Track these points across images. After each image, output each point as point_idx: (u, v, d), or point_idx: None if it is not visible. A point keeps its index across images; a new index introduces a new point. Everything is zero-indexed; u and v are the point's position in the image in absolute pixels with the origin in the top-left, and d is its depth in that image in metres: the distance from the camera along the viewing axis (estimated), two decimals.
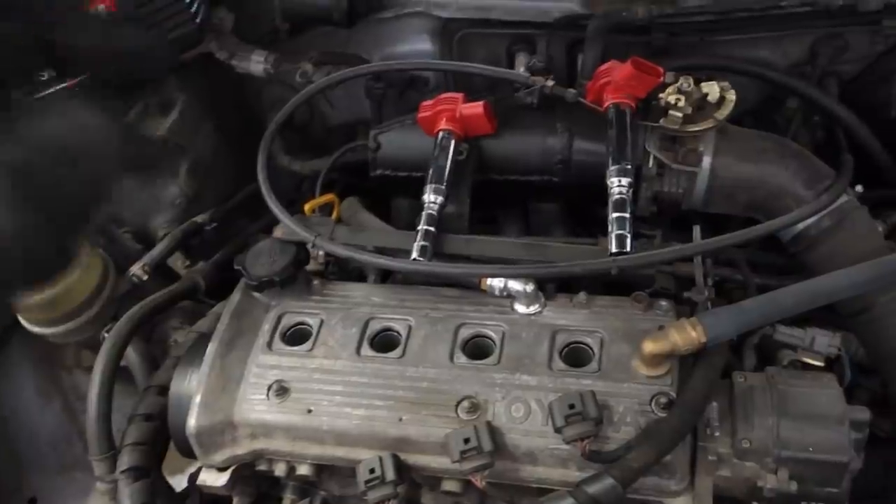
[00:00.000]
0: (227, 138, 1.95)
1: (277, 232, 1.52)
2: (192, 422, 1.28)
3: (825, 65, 1.67)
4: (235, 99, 2.00)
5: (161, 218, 1.81)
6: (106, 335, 1.47)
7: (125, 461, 1.32)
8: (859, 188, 1.46)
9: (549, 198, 1.63)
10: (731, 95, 1.40)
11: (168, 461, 1.43)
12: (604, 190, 1.37)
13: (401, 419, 1.24)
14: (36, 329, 1.56)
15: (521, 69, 1.68)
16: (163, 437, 1.38)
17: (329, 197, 1.66)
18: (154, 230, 1.79)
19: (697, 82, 1.41)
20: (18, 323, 1.59)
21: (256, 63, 1.79)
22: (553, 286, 1.38)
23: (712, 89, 1.40)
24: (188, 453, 1.33)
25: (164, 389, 1.40)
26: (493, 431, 1.18)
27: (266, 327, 1.38)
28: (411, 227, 1.47)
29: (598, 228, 1.59)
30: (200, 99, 1.87)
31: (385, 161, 1.63)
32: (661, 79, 1.41)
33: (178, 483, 1.46)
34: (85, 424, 1.41)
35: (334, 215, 1.63)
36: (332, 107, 1.96)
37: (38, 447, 1.75)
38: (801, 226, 1.41)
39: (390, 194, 1.72)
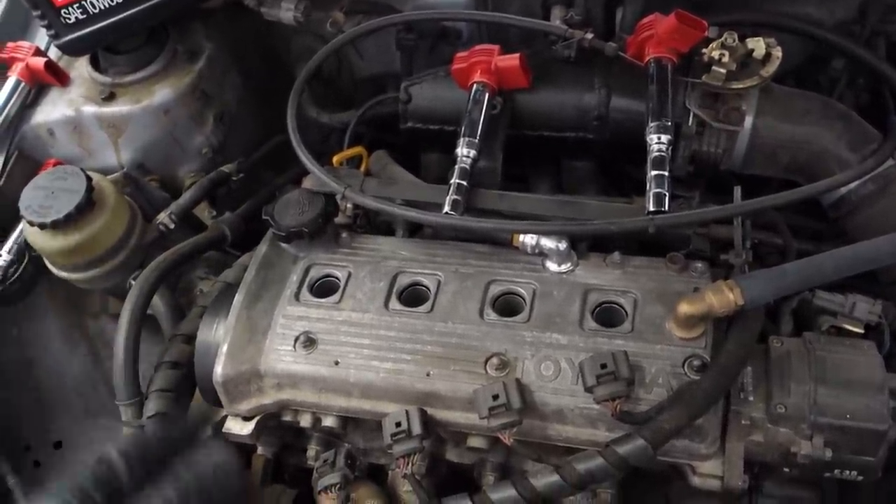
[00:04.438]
0: (253, 88, 1.93)
1: (306, 183, 1.50)
2: (218, 370, 1.27)
3: (874, 23, 1.61)
4: (263, 48, 1.97)
5: (187, 167, 1.80)
6: (132, 282, 1.47)
7: (152, 407, 1.32)
8: None
9: (582, 155, 1.60)
10: (778, 52, 1.36)
11: (192, 409, 1.43)
12: (639, 149, 1.33)
13: (428, 374, 1.23)
14: (63, 274, 1.57)
15: (556, 22, 1.63)
16: (188, 385, 1.38)
17: (358, 149, 1.64)
18: (181, 179, 1.78)
19: (742, 38, 1.36)
20: (45, 267, 1.59)
21: (286, 10, 1.74)
22: (585, 245, 1.35)
23: (758, 45, 1.35)
24: (214, 401, 1.33)
25: (190, 338, 1.39)
26: (522, 389, 1.17)
27: (294, 278, 1.36)
28: (441, 181, 1.44)
29: (631, 188, 1.56)
30: (228, 47, 1.85)
31: (416, 113, 1.60)
32: (705, 33, 1.36)
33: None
34: (110, 371, 1.41)
35: (363, 168, 1.61)
36: (362, 58, 1.92)
37: (64, 392, 1.76)
38: (843, 190, 1.37)
39: (419, 148, 1.70)
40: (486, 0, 1.76)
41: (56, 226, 1.45)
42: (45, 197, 1.47)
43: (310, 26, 1.78)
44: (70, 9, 1.59)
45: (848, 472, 1.16)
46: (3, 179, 1.67)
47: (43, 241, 1.50)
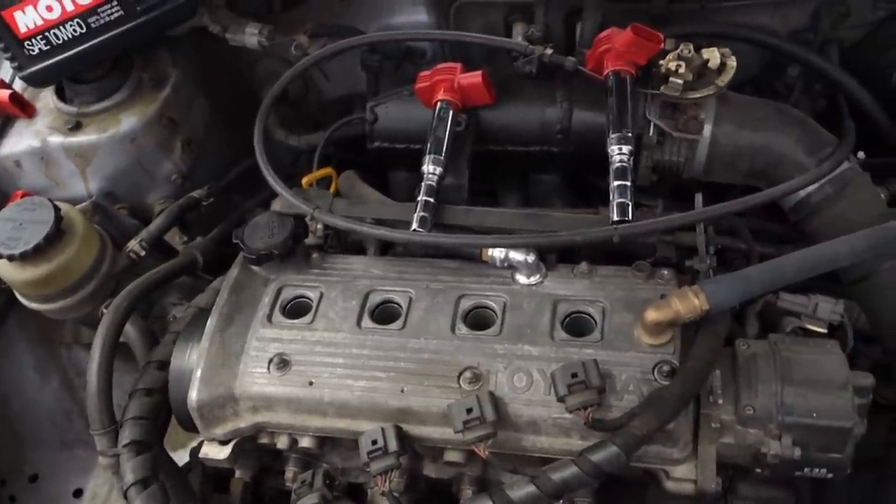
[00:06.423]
0: (221, 113, 1.93)
1: (275, 205, 1.51)
2: (193, 395, 1.27)
3: (827, 31, 1.66)
4: (229, 74, 1.98)
5: (157, 194, 1.80)
6: (104, 311, 1.46)
7: (126, 435, 1.31)
8: (861, 155, 1.45)
9: (548, 169, 1.62)
10: (732, 62, 1.39)
11: (170, 436, 1.43)
12: (604, 160, 1.36)
13: (402, 390, 1.23)
14: (33, 305, 1.56)
15: (518, 39, 1.66)
16: (164, 411, 1.38)
17: (327, 170, 1.65)
18: (150, 206, 1.78)
19: (698, 49, 1.39)
20: (15, 299, 1.58)
21: (250, 36, 1.76)
22: (554, 256, 1.37)
23: (713, 55, 1.38)
24: (190, 427, 1.33)
25: (164, 364, 1.39)
26: (496, 401, 1.18)
27: (266, 300, 1.37)
28: (410, 199, 1.46)
29: (598, 199, 1.59)
30: (194, 74, 1.85)
31: (382, 133, 1.61)
32: (662, 45, 1.39)
33: (181, 458, 1.46)
34: (84, 401, 1.40)
35: (332, 188, 1.62)
36: (328, 80, 1.93)
37: (38, 424, 1.75)
38: (802, 193, 1.40)
39: (388, 167, 1.71)
40: (448, 19, 1.79)
41: (25, 257, 1.44)
42: (12, 229, 1.46)
43: (274, 51, 1.79)
44: (33, 40, 1.59)
45: (818, 470, 1.18)
46: None
47: (12, 273, 1.49)
